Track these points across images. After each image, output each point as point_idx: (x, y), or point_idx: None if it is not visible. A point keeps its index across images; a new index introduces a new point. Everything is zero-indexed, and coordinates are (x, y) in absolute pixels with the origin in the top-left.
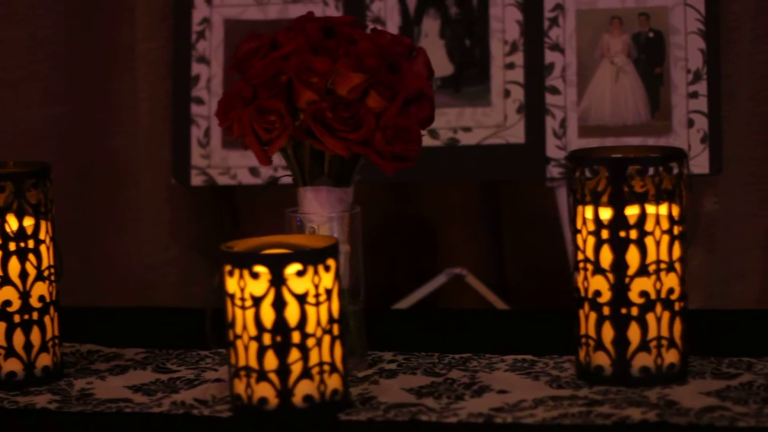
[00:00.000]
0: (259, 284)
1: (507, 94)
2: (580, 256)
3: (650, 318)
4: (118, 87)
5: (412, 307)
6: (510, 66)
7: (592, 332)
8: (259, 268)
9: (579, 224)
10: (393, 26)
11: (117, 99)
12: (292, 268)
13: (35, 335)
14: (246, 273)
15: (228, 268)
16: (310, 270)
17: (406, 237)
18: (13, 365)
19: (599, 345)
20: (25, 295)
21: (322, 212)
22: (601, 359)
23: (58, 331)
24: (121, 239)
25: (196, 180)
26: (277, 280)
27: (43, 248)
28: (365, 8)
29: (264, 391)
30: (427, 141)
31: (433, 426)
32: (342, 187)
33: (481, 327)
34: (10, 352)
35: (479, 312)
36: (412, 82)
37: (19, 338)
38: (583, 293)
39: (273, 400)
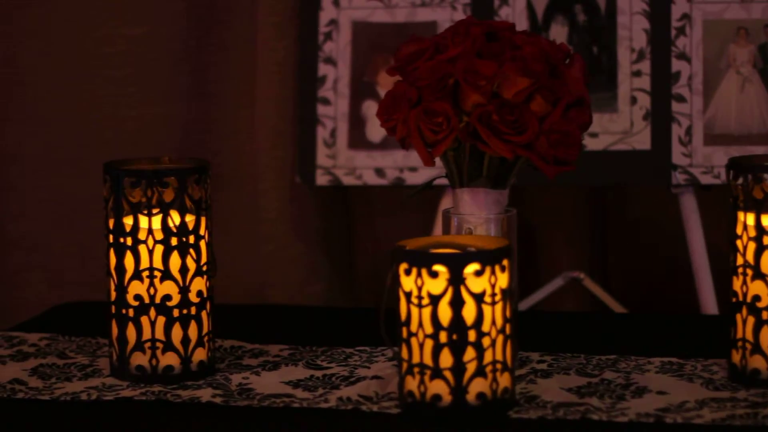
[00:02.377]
0: (437, 283)
1: (634, 101)
2: (739, 261)
3: None
4: (234, 86)
5: (528, 309)
6: (637, 74)
7: (749, 336)
8: (439, 267)
9: (739, 230)
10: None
11: (239, 98)
12: (471, 268)
13: (192, 330)
14: (424, 271)
15: (404, 266)
16: (488, 270)
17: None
18: (171, 359)
19: (756, 348)
20: (184, 290)
21: (479, 214)
22: (758, 363)
23: (212, 326)
24: (243, 237)
25: (322, 180)
26: (456, 279)
27: (202, 244)
28: (493, 13)
29: (438, 388)
30: None
31: (603, 425)
32: (498, 189)
33: (611, 329)
34: (168, 346)
35: (609, 315)
36: (572, 86)
37: (177, 333)
38: (741, 297)
39: (446, 398)
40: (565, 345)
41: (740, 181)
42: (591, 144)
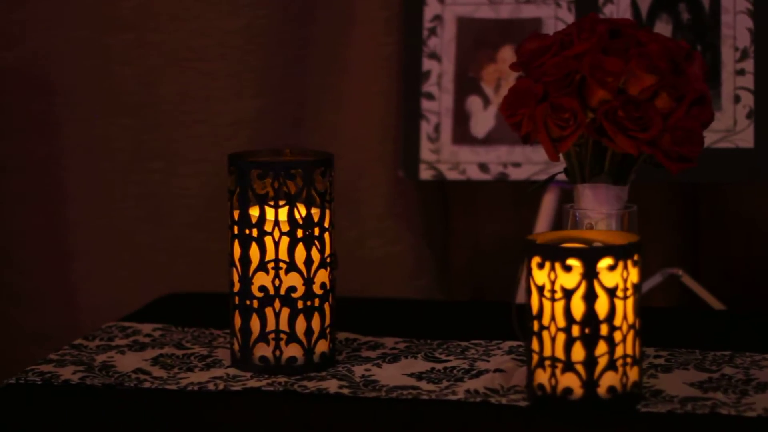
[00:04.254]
0: (571, 277)
1: (737, 99)
2: None
3: None
4: (330, 81)
5: None
6: (740, 72)
7: None
8: (573, 261)
9: None
10: None
11: (329, 93)
12: (604, 262)
13: (316, 321)
14: (558, 265)
15: (537, 260)
16: (621, 265)
17: None
18: (294, 350)
19: None
20: (308, 282)
21: (600, 209)
22: None
23: (333, 318)
24: (349, 232)
25: (425, 174)
26: (590, 273)
27: (326, 236)
28: (597, 10)
29: (569, 381)
30: None
31: (732, 420)
32: (619, 185)
33: (719, 326)
34: (291, 337)
35: (711, 311)
36: (695, 84)
37: (301, 324)
38: None
39: (578, 391)
40: (676, 340)
41: None
42: None
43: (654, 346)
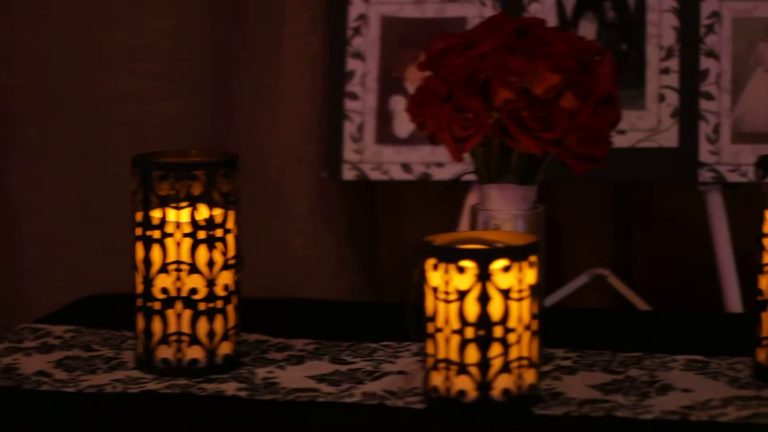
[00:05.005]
0: (464, 278)
1: (662, 98)
2: (766, 259)
3: None
4: (260, 81)
5: (553, 306)
6: (665, 71)
7: None
8: (466, 263)
9: (766, 228)
10: None
11: (258, 93)
12: (499, 264)
13: (218, 323)
14: (452, 267)
15: (432, 261)
16: (515, 266)
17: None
18: (196, 352)
19: None
20: (211, 284)
21: (507, 210)
22: None
23: (238, 320)
24: (271, 232)
25: (348, 174)
26: (484, 275)
27: (230, 238)
28: (522, 9)
29: (463, 383)
30: None
31: (628, 422)
32: (527, 185)
33: (636, 327)
34: (193, 339)
35: (634, 312)
36: (602, 84)
37: (203, 326)
38: (766, 296)
39: (472, 393)
40: (589, 342)
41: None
42: (618, 141)
43: (566, 348)
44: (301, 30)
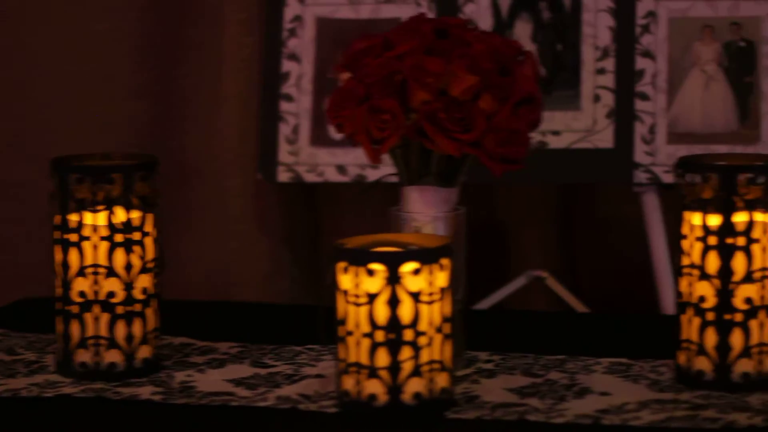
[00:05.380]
0: (374, 281)
1: (597, 99)
2: (686, 262)
3: (753, 324)
4: (202, 83)
5: (491, 308)
6: (601, 71)
7: (694, 337)
8: (376, 266)
9: (685, 230)
10: (485, 29)
11: (199, 95)
12: (409, 267)
13: (137, 327)
14: (362, 270)
15: (343, 264)
16: (426, 269)
17: (482, 239)
18: (115, 356)
19: (701, 350)
20: (129, 287)
21: (427, 212)
22: (703, 364)
23: (158, 323)
24: (206, 235)
25: (283, 176)
26: (393, 278)
27: (148, 241)
28: (457, 10)
29: (374, 387)
30: None
31: (540, 426)
32: (448, 187)
33: (567, 329)
34: (111, 343)
35: (565, 314)
36: (522, 85)
37: (121, 329)
38: (686, 298)
39: (382, 397)
40: (517, 344)
41: (687, 180)
42: (553, 142)
43: (492, 351)
44: (238, 31)
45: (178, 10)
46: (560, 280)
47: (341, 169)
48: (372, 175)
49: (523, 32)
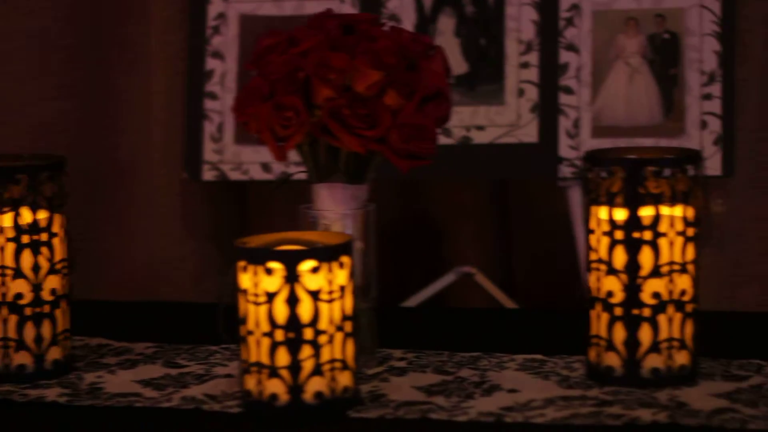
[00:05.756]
0: (273, 280)
1: (521, 93)
2: (593, 257)
3: (662, 319)
4: (132, 81)
5: (421, 305)
6: (524, 65)
7: (603, 333)
8: (274, 264)
9: (593, 224)
10: (408, 24)
11: (130, 93)
12: (307, 265)
13: (46, 328)
14: (260, 269)
15: (242, 263)
16: (325, 267)
17: (416, 235)
18: (24, 358)
19: (610, 345)
20: (36, 288)
21: (336, 209)
22: (612, 360)
23: (69, 324)
24: (135, 234)
25: (208, 175)
26: (291, 277)
27: (56, 241)
28: (381, 5)
29: (275, 387)
30: (440, 139)
31: (443, 424)
32: (356, 184)
33: (490, 326)
34: (20, 344)
35: (489, 311)
36: (429, 80)
37: (30, 331)
38: (595, 293)
39: (284, 396)
40: (434, 342)
41: (593, 174)
42: (478, 137)
43: (406, 348)
44: (164, 29)
45: (105, 9)
46: (495, 276)
47: (266, 167)
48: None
49: (446, 26)
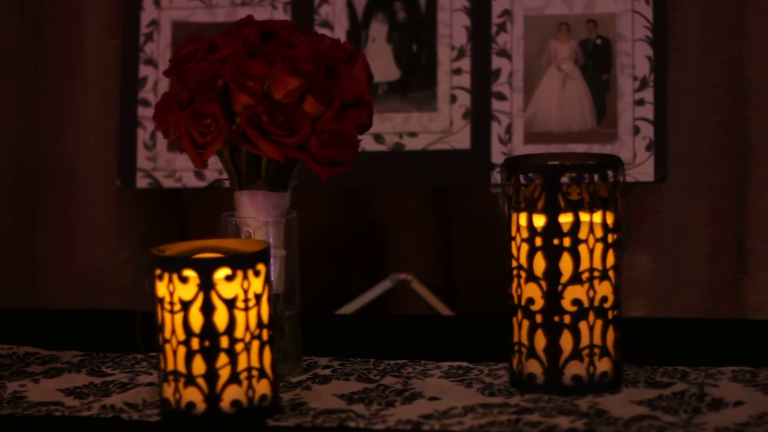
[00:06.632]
0: (188, 288)
1: (453, 99)
2: (514, 264)
3: (583, 326)
4: (68, 88)
5: (354, 312)
6: (457, 71)
7: (524, 340)
8: (188, 272)
9: (513, 231)
10: (341, 30)
11: (64, 100)
12: (221, 273)
13: None
14: (175, 277)
15: (158, 271)
16: (239, 274)
17: (356, 241)
18: None
19: (532, 353)
20: None
21: (258, 217)
22: (534, 367)
23: None
24: (75, 240)
25: (142, 182)
26: (206, 285)
27: None
28: (313, 12)
29: (192, 395)
30: (372, 146)
31: None
32: (279, 191)
33: (421, 333)
34: None
35: (421, 318)
36: (349, 87)
37: None
38: (516, 301)
39: (201, 405)
40: (360, 349)
41: (513, 180)
42: (410, 144)
43: (332, 356)
44: (99, 36)
45: (40, 15)
46: (436, 283)
47: (199, 174)
48: None
49: (378, 33)
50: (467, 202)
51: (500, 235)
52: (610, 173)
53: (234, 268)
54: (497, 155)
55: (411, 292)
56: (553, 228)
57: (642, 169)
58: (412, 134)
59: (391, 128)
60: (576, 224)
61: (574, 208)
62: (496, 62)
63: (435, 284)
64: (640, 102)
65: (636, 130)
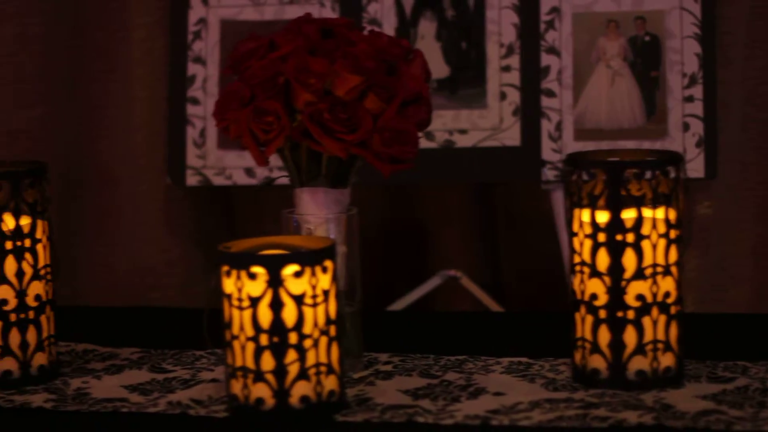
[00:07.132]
0: (256, 285)
1: (503, 96)
2: (577, 260)
3: (646, 321)
4: (112, 87)
5: (406, 308)
6: (506, 69)
7: (588, 335)
8: (257, 269)
9: (576, 227)
10: (389, 28)
11: (111, 99)
12: (290, 269)
13: (31, 334)
14: (243, 274)
15: (225, 268)
16: (308, 271)
17: (402, 239)
18: (9, 364)
19: (595, 348)
20: (21, 294)
21: (318, 213)
22: (597, 362)
23: (54, 330)
24: (120, 240)
25: (192, 180)
26: (275, 281)
27: (39, 247)
28: (361, 9)
29: (261, 391)
30: (422, 143)
31: (429, 428)
32: (339, 188)
33: (476, 329)
34: (6, 350)
35: (475, 314)
36: (409, 84)
37: (15, 337)
38: (579, 296)
39: (269, 401)
40: (420, 346)
41: (575, 177)
42: (460, 141)
43: (392, 352)
44: (144, 35)
45: (81, 15)
46: (482, 280)
47: (249, 171)
48: (281, 177)
49: (427, 30)
50: (511, 198)
51: (548, 231)
52: (671, 169)
53: (303, 265)
54: (547, 152)
55: (456, 288)
56: (616, 224)
57: (692, 166)
58: (462, 131)
59: (441, 125)
60: (639, 220)
61: (637, 204)
62: (545, 59)
63: (482, 280)
64: (690, 99)
65: (686, 127)
